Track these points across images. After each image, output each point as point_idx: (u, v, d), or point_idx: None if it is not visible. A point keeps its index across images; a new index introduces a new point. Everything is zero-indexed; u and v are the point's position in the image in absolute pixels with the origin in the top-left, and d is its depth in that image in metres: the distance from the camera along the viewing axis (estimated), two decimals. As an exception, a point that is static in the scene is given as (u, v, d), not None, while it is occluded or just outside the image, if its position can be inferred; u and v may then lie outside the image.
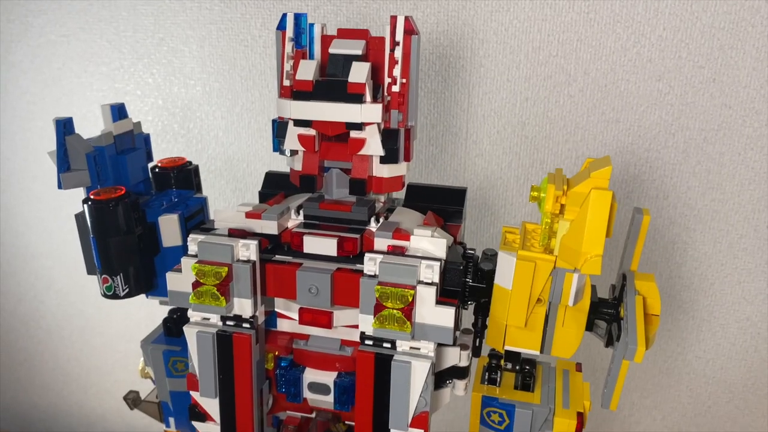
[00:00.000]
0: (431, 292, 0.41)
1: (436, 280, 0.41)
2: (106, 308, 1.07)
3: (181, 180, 0.52)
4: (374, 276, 0.42)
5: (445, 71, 0.80)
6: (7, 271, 1.07)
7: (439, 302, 0.41)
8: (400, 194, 0.56)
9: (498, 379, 0.48)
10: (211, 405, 0.46)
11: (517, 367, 0.48)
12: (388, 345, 0.43)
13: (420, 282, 0.41)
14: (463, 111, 0.81)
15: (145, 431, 1.13)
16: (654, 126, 0.78)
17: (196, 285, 0.43)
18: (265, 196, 0.52)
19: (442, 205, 0.50)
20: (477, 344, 0.47)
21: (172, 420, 0.54)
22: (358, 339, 0.44)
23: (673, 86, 0.76)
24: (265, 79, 0.87)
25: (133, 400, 0.56)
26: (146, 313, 1.05)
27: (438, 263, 0.41)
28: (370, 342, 0.43)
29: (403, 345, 0.42)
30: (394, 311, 0.40)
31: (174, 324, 0.53)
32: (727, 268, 0.84)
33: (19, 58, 0.93)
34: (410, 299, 0.40)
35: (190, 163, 0.54)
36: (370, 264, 0.42)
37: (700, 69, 0.74)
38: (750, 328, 0.85)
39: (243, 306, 0.44)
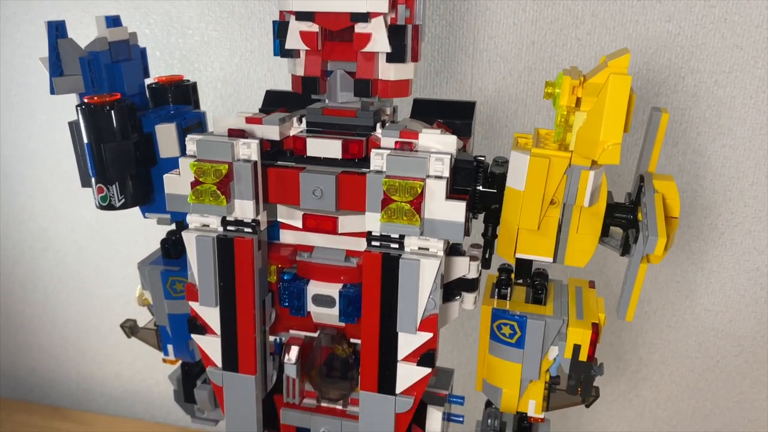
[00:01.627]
0: (441, 185, 0.39)
1: (446, 174, 0.39)
2: (104, 269, 1.05)
3: (179, 96, 0.50)
4: (381, 172, 0.40)
5: (449, 15, 0.78)
6: (2, 234, 1.05)
7: (449, 197, 0.39)
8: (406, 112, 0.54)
9: (508, 294, 0.46)
10: (212, 315, 0.44)
11: (528, 281, 0.46)
12: (396, 246, 0.41)
13: (429, 176, 0.39)
14: (468, 57, 0.79)
15: (145, 394, 1.11)
16: (663, 69, 0.76)
17: (195, 184, 0.40)
18: (265, 113, 0.50)
19: (450, 119, 0.48)
20: (487, 256, 0.45)
21: (170, 348, 0.52)
22: (363, 249, 0.42)
23: (683, 27, 0.74)
24: (265, 27, 0.85)
25: (130, 328, 0.54)
26: (145, 273, 1.03)
27: (448, 156, 0.39)
28: (376, 243, 0.41)
29: (411, 244, 0.40)
30: (403, 204, 0.38)
31: (172, 246, 0.51)
32: (737, 217, 0.82)
33: (13, 10, 0.91)
34: (419, 191, 0.38)
35: (188, 80, 0.52)
36: (377, 159, 0.40)
37: (711, 8, 0.72)
38: (760, 279, 0.83)
39: (244, 208, 0.42)
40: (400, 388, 0.42)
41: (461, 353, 0.92)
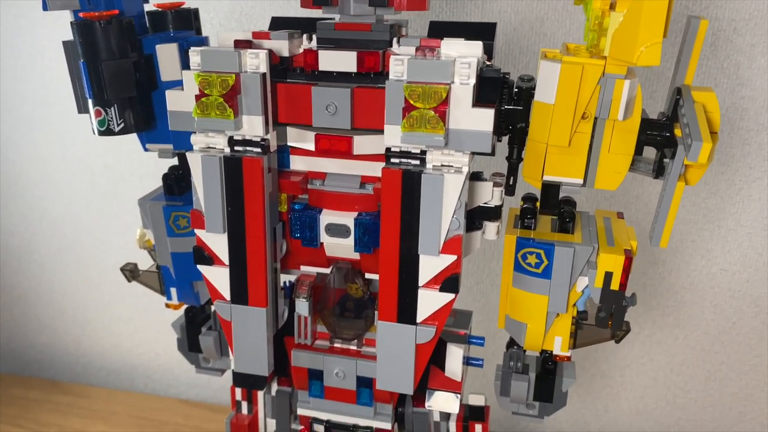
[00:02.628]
0: (467, 92, 0.36)
1: (473, 79, 0.36)
2: (102, 238, 1.01)
3: (180, 22, 0.47)
4: (402, 80, 0.37)
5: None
6: (-2, 202, 1.02)
7: (476, 105, 0.36)
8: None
9: (533, 225, 0.43)
10: (219, 244, 0.41)
11: (555, 210, 0.43)
12: (417, 162, 0.38)
13: (454, 82, 0.36)
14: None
15: (145, 367, 1.08)
16: (680, 17, 0.73)
17: (199, 96, 0.37)
18: (272, 43, 0.47)
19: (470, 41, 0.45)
20: (511, 182, 0.42)
21: (173, 291, 0.49)
22: (379, 174, 0.39)
23: (701, -28, 0.71)
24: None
25: (131, 271, 0.51)
26: (144, 242, 1.00)
27: (475, 59, 0.36)
28: (396, 160, 0.38)
29: (434, 160, 0.37)
30: (426, 111, 0.35)
31: (175, 182, 0.47)
32: (755, 172, 0.79)
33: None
34: (444, 96, 0.35)
35: (190, 7, 0.49)
36: (397, 66, 0.36)
37: (730, -48, 0.70)
38: (779, 236, 0.80)
39: (253, 124, 0.39)
40: (421, 316, 0.40)
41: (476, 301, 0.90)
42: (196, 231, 0.40)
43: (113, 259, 1.02)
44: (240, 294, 0.41)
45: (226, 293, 0.42)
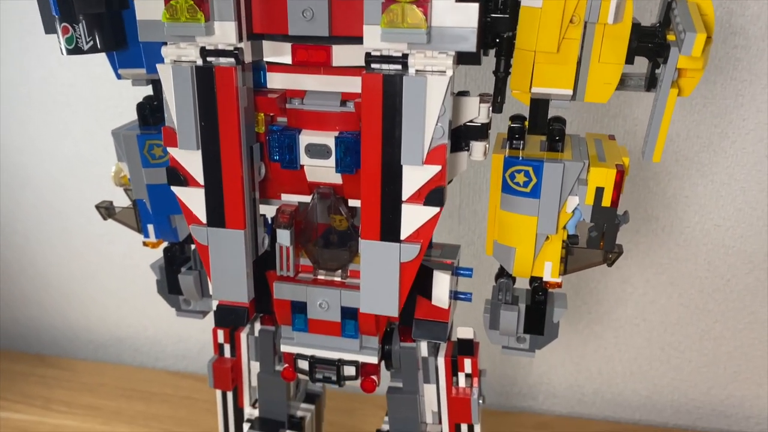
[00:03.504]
0: (450, -14, 0.34)
1: (455, -28, 0.34)
2: (86, 206, 0.99)
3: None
4: (380, -22, 0.35)
5: None
6: (-21, 171, 1.00)
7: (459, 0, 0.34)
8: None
9: (522, 145, 0.41)
10: (193, 163, 0.39)
11: (544, 131, 0.41)
12: (398, 67, 0.36)
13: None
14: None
15: (132, 340, 1.06)
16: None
17: (169, 0, 0.36)
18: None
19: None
20: (499, 99, 0.40)
21: (150, 228, 0.47)
22: (359, 90, 0.37)
23: None
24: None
25: (106, 209, 0.50)
26: (130, 210, 0.98)
27: (457, -51, 0.34)
28: (377, 65, 0.36)
29: (416, 63, 0.36)
30: (406, 4, 0.33)
31: (150, 112, 0.46)
32: (749, 124, 0.78)
33: None
34: (425, -10, 0.34)
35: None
36: (375, -40, 0.35)
37: None
38: (773, 190, 0.79)
39: (225, 31, 0.36)
40: (405, 233, 0.38)
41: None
42: (169, 150, 0.38)
43: (98, 229, 1.00)
44: (216, 216, 0.39)
45: (202, 216, 0.40)
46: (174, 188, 0.40)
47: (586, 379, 0.93)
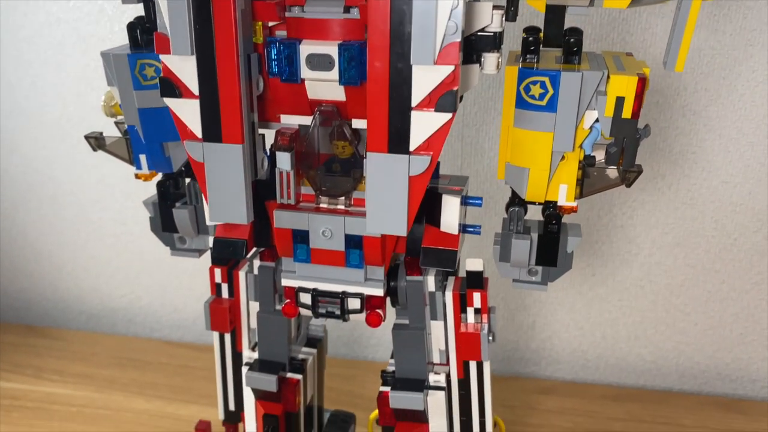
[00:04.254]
0: None
1: None
2: (77, 172, 0.97)
3: None
4: None
5: None
6: (-34, 136, 0.97)
7: None
8: None
9: (536, 59, 0.39)
10: (188, 71, 0.36)
11: (560, 42, 0.39)
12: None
13: None
14: None
15: (126, 310, 1.04)
16: None
17: None
18: None
19: None
20: (513, 7, 0.38)
21: (143, 158, 0.45)
22: (366, -7, 0.35)
23: None
24: None
25: (96, 139, 0.47)
26: (122, 175, 0.95)
27: None
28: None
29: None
30: None
31: (142, 33, 0.43)
32: (759, 76, 0.76)
33: None
34: None
35: None
36: None
37: None
38: (783, 144, 0.77)
39: (223, -73, 0.34)
40: (414, 143, 0.35)
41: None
42: (162, 58, 0.36)
43: (90, 196, 0.97)
44: (213, 130, 0.37)
45: (197, 130, 0.37)
46: (167, 100, 0.37)
47: (589, 344, 0.92)
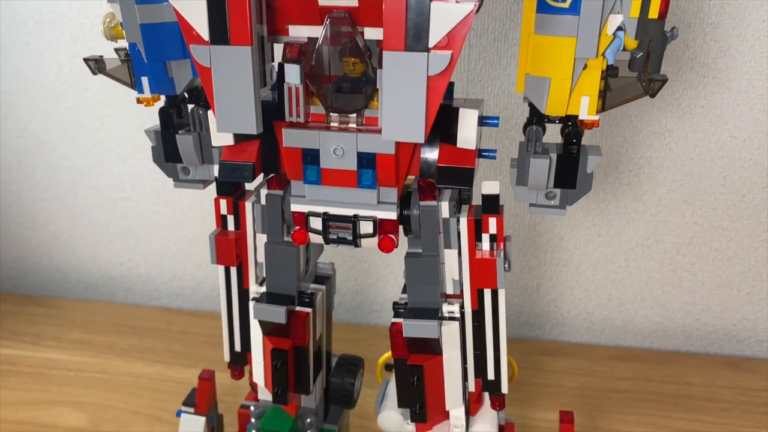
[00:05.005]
0: None
1: None
2: (72, 136, 0.94)
3: None
4: None
5: None
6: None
7: None
8: None
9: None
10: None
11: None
12: None
13: None
14: None
15: (124, 279, 1.02)
16: None
17: None
18: None
19: None
20: None
21: (145, 81, 0.43)
22: None
23: None
24: None
25: (96, 61, 0.45)
26: (120, 139, 0.93)
27: None
28: None
29: None
30: None
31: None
32: None
33: None
34: None
35: None
36: None
37: None
38: (792, 96, 0.76)
39: None
40: (434, 39, 0.33)
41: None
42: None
43: (86, 160, 0.95)
44: (220, 31, 0.35)
45: (203, 32, 0.35)
46: (173, 1, 0.35)
47: (595, 306, 0.90)
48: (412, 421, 0.45)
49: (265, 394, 0.50)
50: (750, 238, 0.82)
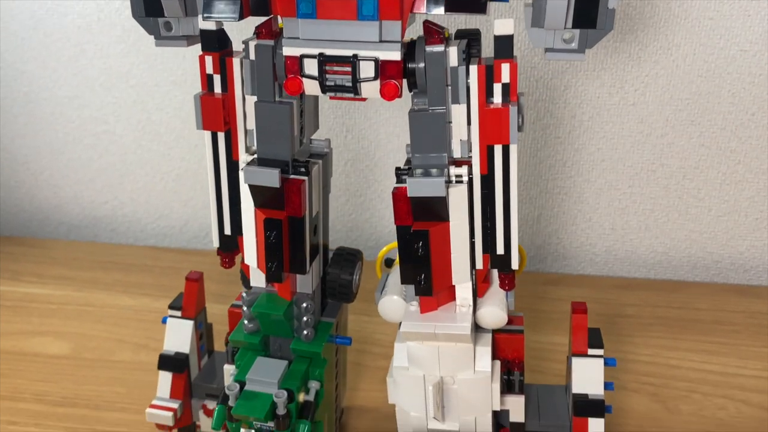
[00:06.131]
0: None
1: None
2: (52, 66, 0.89)
3: None
4: None
5: None
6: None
7: None
8: None
9: None
10: None
11: None
12: None
13: None
14: None
15: (109, 219, 0.97)
16: None
17: None
18: None
19: None
20: None
21: None
22: None
23: None
24: None
25: None
26: (102, 67, 0.88)
27: None
28: None
29: None
30: None
31: None
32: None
33: None
34: None
35: None
36: None
37: None
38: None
39: None
40: None
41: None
42: None
43: (65, 93, 0.90)
44: None
45: None
46: None
47: (598, 237, 0.87)
48: (416, 294, 0.42)
49: (257, 281, 0.46)
50: (759, 160, 0.79)
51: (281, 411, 0.43)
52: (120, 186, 0.95)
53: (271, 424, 0.44)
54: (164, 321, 0.56)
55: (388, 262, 0.51)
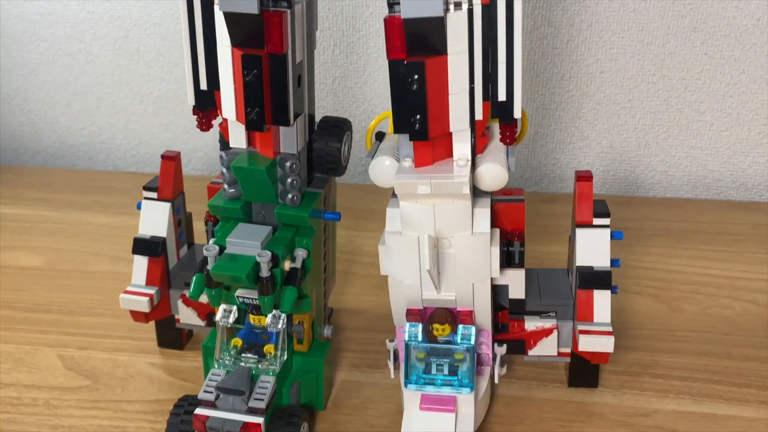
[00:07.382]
0: None
1: None
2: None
3: None
4: None
5: None
6: None
7: None
8: None
9: None
10: None
11: None
12: None
13: None
14: None
15: (87, 147, 0.93)
16: None
17: None
18: None
19: None
20: None
21: None
22: None
23: None
24: None
25: None
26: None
27: None
28: None
29: None
30: None
31: None
32: None
33: None
34: None
35: None
36: None
37: None
38: None
39: None
40: None
41: None
42: None
43: (37, 7, 0.85)
44: None
45: None
46: None
47: (596, 156, 0.83)
48: (411, 139, 0.38)
49: (237, 141, 0.42)
50: (764, 69, 0.76)
51: (265, 273, 0.39)
52: (97, 110, 0.90)
53: (254, 295, 0.41)
54: (139, 207, 0.52)
55: (379, 136, 0.47)
